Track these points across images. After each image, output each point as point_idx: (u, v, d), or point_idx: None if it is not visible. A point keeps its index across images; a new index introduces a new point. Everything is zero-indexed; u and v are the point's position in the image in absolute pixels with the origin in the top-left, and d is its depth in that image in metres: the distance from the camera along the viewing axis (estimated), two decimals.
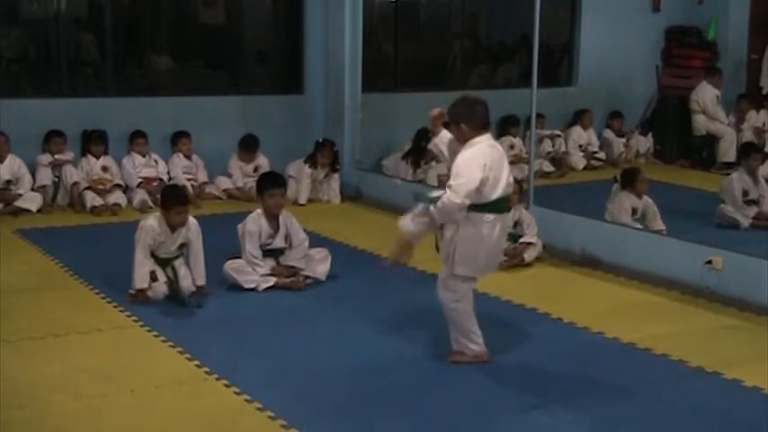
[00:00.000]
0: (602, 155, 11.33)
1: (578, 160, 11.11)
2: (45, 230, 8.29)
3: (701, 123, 10.84)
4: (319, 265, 6.77)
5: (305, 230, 6.89)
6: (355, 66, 10.04)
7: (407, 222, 5.18)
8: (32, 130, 9.21)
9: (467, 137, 5.10)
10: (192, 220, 6.45)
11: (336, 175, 9.91)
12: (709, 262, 6.54)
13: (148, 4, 10.85)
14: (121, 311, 6.09)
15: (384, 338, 5.68)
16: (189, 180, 9.62)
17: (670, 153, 11.34)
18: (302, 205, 9.50)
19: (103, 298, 6.35)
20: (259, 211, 6.72)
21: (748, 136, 10.43)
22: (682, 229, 7.44)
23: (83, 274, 6.87)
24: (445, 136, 5.34)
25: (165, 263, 6.32)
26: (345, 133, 10.14)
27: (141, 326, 5.82)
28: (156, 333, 5.68)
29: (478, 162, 4.98)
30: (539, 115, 8.78)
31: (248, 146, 10.00)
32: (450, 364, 5.24)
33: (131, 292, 6.30)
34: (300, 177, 9.73)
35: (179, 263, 6.38)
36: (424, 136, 5.55)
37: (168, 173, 9.60)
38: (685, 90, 11.03)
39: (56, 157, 9.24)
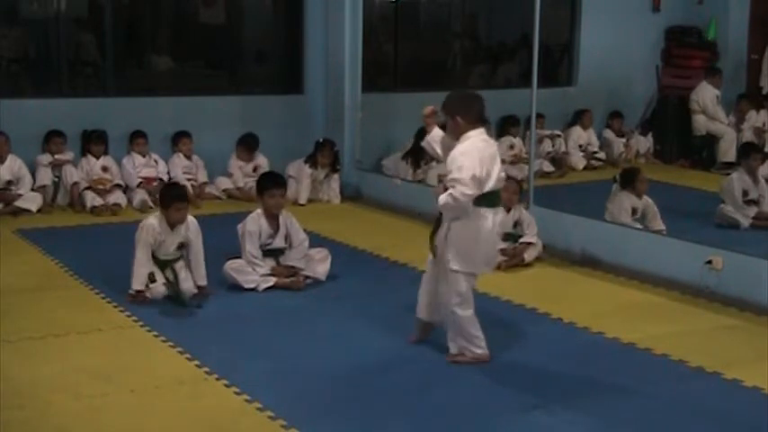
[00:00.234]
0: (602, 155, 11.33)
1: (578, 160, 11.11)
2: (45, 230, 8.29)
3: (700, 123, 10.84)
4: (319, 265, 6.77)
5: (305, 230, 6.89)
6: (355, 66, 10.04)
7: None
8: (32, 130, 9.21)
9: (462, 130, 5.12)
10: (191, 219, 6.45)
11: (336, 176, 9.91)
12: (709, 262, 6.54)
13: (148, 4, 10.86)
14: (121, 311, 6.09)
15: (384, 338, 5.68)
16: (189, 180, 9.62)
17: (670, 153, 11.34)
18: (302, 205, 9.50)
19: (103, 298, 6.35)
20: (259, 211, 6.72)
21: (748, 136, 10.43)
22: (682, 229, 7.44)
23: (83, 274, 6.87)
24: (438, 134, 5.35)
25: (164, 265, 6.32)
26: (345, 133, 10.14)
27: (141, 326, 5.83)
28: (156, 333, 5.68)
29: (474, 156, 5.03)
30: (539, 115, 8.78)
31: (248, 145, 10.00)
32: (451, 364, 5.24)
33: (131, 292, 6.30)
34: (300, 177, 9.74)
35: (179, 266, 6.37)
36: (423, 136, 5.56)
37: (168, 173, 9.60)
38: (685, 90, 11.03)
39: (56, 157, 9.24)
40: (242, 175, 9.90)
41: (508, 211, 7.49)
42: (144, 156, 9.57)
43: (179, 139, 9.80)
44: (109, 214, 8.96)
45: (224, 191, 9.86)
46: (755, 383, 5.03)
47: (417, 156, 9.81)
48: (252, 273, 6.56)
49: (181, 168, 9.67)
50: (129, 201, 9.30)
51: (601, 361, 5.44)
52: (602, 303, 6.58)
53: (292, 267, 6.70)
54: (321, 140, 9.93)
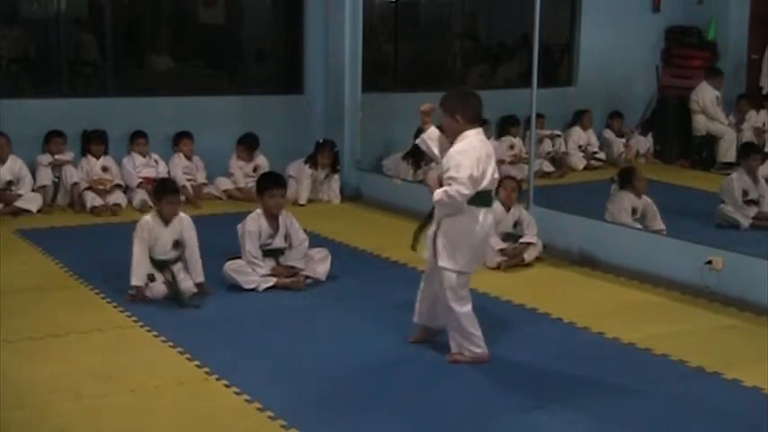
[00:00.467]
0: (602, 155, 11.32)
1: (578, 160, 11.10)
2: (45, 230, 8.29)
3: (700, 123, 10.83)
4: (319, 265, 6.77)
5: (305, 230, 6.89)
6: (355, 66, 10.04)
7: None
8: (32, 131, 9.21)
9: (460, 129, 5.13)
10: (185, 216, 6.50)
11: (336, 176, 9.91)
12: (709, 262, 6.55)
13: (148, 4, 10.87)
14: (121, 311, 6.09)
15: (384, 338, 5.68)
16: (188, 180, 9.63)
17: (670, 153, 11.33)
18: (302, 205, 9.50)
19: (103, 298, 6.35)
20: (259, 211, 6.72)
21: (748, 136, 10.42)
22: (682, 229, 7.44)
23: (83, 274, 6.87)
24: (434, 133, 5.34)
25: (162, 265, 6.32)
26: (345, 133, 10.14)
27: (141, 326, 5.83)
28: (156, 333, 5.68)
29: (471, 155, 5.04)
30: (539, 115, 8.78)
31: (248, 144, 10.00)
32: (450, 363, 5.24)
33: (131, 292, 6.30)
34: (301, 177, 9.74)
35: (177, 267, 6.38)
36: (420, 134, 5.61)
37: (168, 173, 9.60)
38: (685, 90, 11.02)
39: (56, 157, 9.24)
40: (242, 175, 9.90)
41: (508, 210, 7.51)
42: (144, 156, 9.57)
43: (180, 140, 9.81)
44: (109, 214, 8.96)
45: (224, 191, 9.86)
46: (755, 383, 5.03)
47: (418, 156, 9.81)
48: (252, 273, 6.56)
49: (181, 169, 9.67)
50: (129, 201, 9.30)
51: (601, 361, 5.44)
52: (602, 303, 6.58)
53: (292, 267, 6.70)
54: (321, 141, 9.94)
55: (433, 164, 9.46)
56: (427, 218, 5.32)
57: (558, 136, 11.04)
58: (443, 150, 5.21)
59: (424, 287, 5.47)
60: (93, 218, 8.89)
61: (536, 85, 8.04)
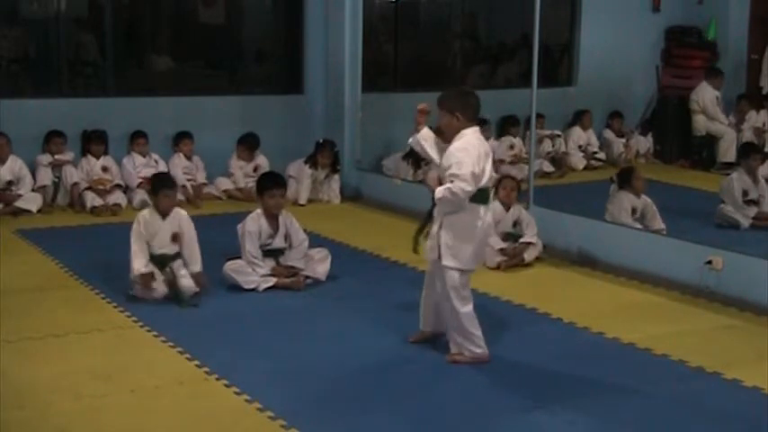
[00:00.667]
0: (602, 155, 11.32)
1: (578, 160, 11.11)
2: (45, 230, 8.29)
3: (700, 123, 10.83)
4: (319, 265, 6.77)
5: (305, 231, 6.89)
6: (355, 66, 10.04)
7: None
8: (32, 131, 9.21)
9: (460, 127, 5.14)
10: (182, 211, 6.54)
11: (337, 176, 9.91)
12: (710, 262, 6.54)
13: (148, 4, 10.87)
14: (121, 311, 6.09)
15: (384, 338, 5.67)
16: (189, 180, 9.63)
17: (670, 153, 11.34)
18: (302, 205, 9.50)
19: (103, 298, 6.35)
20: (259, 211, 6.72)
21: (748, 136, 10.42)
22: (682, 229, 7.44)
23: (83, 274, 6.87)
24: (428, 134, 5.34)
25: (162, 262, 6.33)
26: (345, 133, 10.14)
27: (141, 326, 5.83)
28: (156, 333, 5.68)
29: (472, 153, 5.07)
30: (539, 115, 8.78)
31: (249, 144, 10.00)
32: (450, 364, 5.24)
33: (130, 293, 6.31)
34: (301, 177, 9.74)
35: (177, 264, 6.38)
36: None
37: (168, 173, 9.59)
38: (685, 90, 11.02)
39: (56, 157, 9.24)
40: (242, 175, 9.90)
41: (507, 210, 7.51)
42: (144, 156, 9.57)
43: (180, 140, 9.81)
44: (109, 214, 8.96)
45: (224, 191, 9.87)
46: (755, 383, 5.03)
47: (418, 156, 9.79)
48: (252, 273, 6.56)
49: (181, 168, 9.67)
50: (129, 201, 9.30)
51: (601, 361, 5.44)
52: (602, 303, 6.58)
53: (292, 267, 6.70)
54: (321, 141, 9.94)
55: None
56: (426, 219, 5.33)
57: (558, 136, 11.04)
58: (440, 151, 5.23)
59: (426, 294, 5.47)
60: (93, 218, 8.89)
61: (536, 85, 8.04)
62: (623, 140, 11.37)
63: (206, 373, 5.07)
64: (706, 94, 10.75)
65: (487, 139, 10.40)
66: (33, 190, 9.06)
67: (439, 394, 4.89)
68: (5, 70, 10.11)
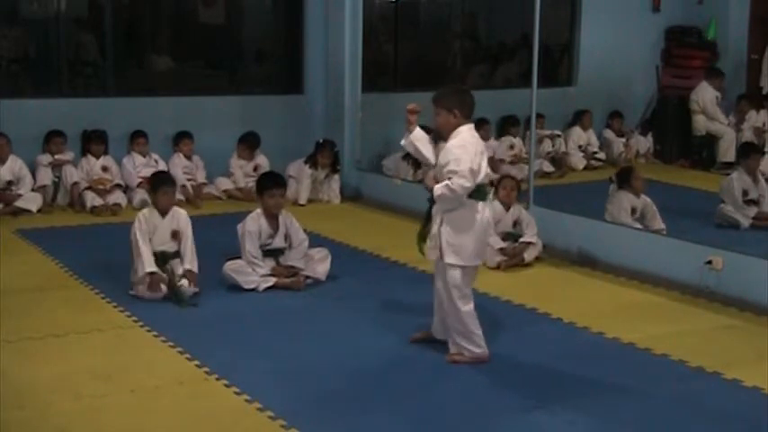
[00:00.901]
0: (602, 155, 11.32)
1: (578, 160, 11.11)
2: (45, 230, 8.29)
3: (700, 123, 10.83)
4: (319, 264, 6.76)
5: (305, 230, 6.89)
6: (355, 66, 10.05)
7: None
8: (32, 131, 9.21)
9: (456, 124, 5.17)
10: (181, 210, 6.56)
11: (336, 176, 9.91)
12: (709, 262, 6.54)
13: (148, 4, 10.87)
14: (121, 311, 6.09)
15: (384, 338, 5.68)
16: (189, 180, 9.63)
17: (670, 153, 11.33)
18: (302, 205, 9.50)
19: (103, 298, 6.35)
20: (259, 210, 6.72)
21: (748, 136, 10.42)
22: (682, 229, 7.44)
23: (83, 274, 6.87)
24: (421, 135, 5.36)
25: (162, 259, 6.33)
26: (345, 133, 10.15)
27: (141, 326, 5.83)
28: (156, 333, 5.68)
29: (469, 149, 5.10)
30: (539, 115, 8.78)
31: (249, 143, 10.00)
32: (450, 364, 5.24)
33: (130, 292, 6.31)
34: (301, 177, 9.74)
35: (176, 263, 6.39)
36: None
37: (167, 171, 9.60)
38: (685, 90, 11.02)
39: (56, 157, 9.24)
40: (242, 174, 9.90)
41: (507, 210, 7.51)
42: (144, 156, 9.57)
43: (180, 140, 9.81)
44: (109, 214, 8.96)
45: (224, 191, 9.87)
46: (755, 383, 5.03)
47: None
48: (252, 273, 6.56)
49: (181, 168, 9.67)
50: (129, 201, 9.30)
51: (601, 361, 5.44)
52: (602, 303, 6.58)
53: (292, 267, 6.70)
54: (321, 141, 9.94)
55: None
56: (426, 220, 5.33)
57: (558, 136, 11.04)
58: (433, 150, 5.25)
59: (437, 301, 5.44)
60: (93, 218, 8.89)
61: (536, 85, 8.04)
62: (623, 140, 11.37)
63: (206, 373, 5.07)
64: (706, 94, 10.75)
65: (487, 139, 10.54)
66: (33, 190, 9.06)
67: (439, 394, 4.89)
68: (5, 70, 10.11)
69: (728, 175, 8.84)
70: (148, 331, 5.73)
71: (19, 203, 8.87)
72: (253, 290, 6.52)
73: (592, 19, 11.21)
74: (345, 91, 10.09)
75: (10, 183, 8.98)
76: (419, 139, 5.35)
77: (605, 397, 4.91)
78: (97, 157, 9.38)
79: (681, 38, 11.48)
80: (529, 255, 7.41)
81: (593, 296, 6.76)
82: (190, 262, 6.40)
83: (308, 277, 6.71)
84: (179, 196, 8.32)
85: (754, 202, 8.51)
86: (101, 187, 9.20)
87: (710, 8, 11.22)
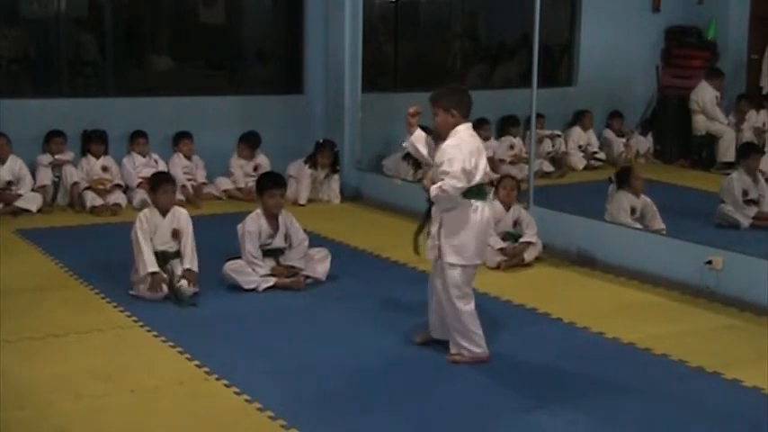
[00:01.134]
0: (602, 155, 11.32)
1: (578, 160, 11.11)
2: (45, 230, 8.29)
3: (700, 123, 10.83)
4: (319, 264, 6.76)
5: (305, 230, 6.89)
6: (355, 66, 10.05)
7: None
8: (32, 131, 9.21)
9: (454, 123, 5.18)
10: (181, 210, 6.57)
11: (336, 176, 9.91)
12: (710, 262, 6.54)
13: (148, 4, 10.86)
14: (121, 311, 6.09)
15: (384, 338, 5.68)
16: (189, 180, 9.64)
17: (670, 153, 11.33)
18: (302, 205, 9.50)
19: (103, 298, 6.35)
20: (258, 211, 6.72)
21: (748, 136, 10.42)
22: (682, 229, 7.44)
23: (83, 274, 6.87)
24: (420, 135, 5.38)
25: (163, 259, 6.33)
26: (345, 133, 10.15)
27: (141, 326, 5.83)
28: (156, 333, 5.68)
29: (464, 149, 5.11)
30: (539, 115, 8.78)
31: (250, 142, 10.00)
32: (450, 364, 5.24)
33: (130, 292, 6.31)
34: (301, 177, 9.74)
35: (176, 263, 6.39)
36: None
37: (168, 172, 9.59)
38: (685, 90, 11.02)
39: (56, 157, 9.24)
40: (242, 174, 9.90)
41: (507, 210, 7.51)
42: (144, 156, 9.57)
43: (179, 140, 9.81)
44: (109, 214, 8.96)
45: (224, 191, 9.87)
46: (755, 383, 5.03)
47: None
48: (252, 273, 6.56)
49: (181, 168, 9.67)
50: (129, 201, 9.30)
51: (601, 361, 5.44)
52: (602, 303, 6.58)
53: (292, 267, 6.70)
54: (321, 141, 9.94)
55: None
56: (425, 219, 5.34)
57: (558, 136, 11.04)
58: (432, 151, 5.26)
59: (435, 302, 5.44)
60: (93, 218, 8.89)
61: (536, 85, 8.04)
62: (623, 140, 11.37)
63: (206, 373, 5.07)
64: (705, 94, 10.75)
65: (487, 139, 10.55)
66: (33, 190, 9.06)
67: (439, 394, 4.89)
68: (5, 70, 10.11)
69: (728, 175, 8.84)
70: (148, 331, 5.73)
71: (19, 203, 8.87)
72: (253, 290, 6.52)
73: (592, 19, 11.21)
74: (345, 91, 10.09)
75: (10, 183, 8.98)
76: (419, 140, 5.38)
77: (605, 397, 4.91)
78: (97, 157, 9.38)
79: (681, 38, 11.48)
80: (529, 255, 7.41)
81: (593, 296, 6.76)
82: (190, 261, 6.40)
83: (307, 277, 6.71)
84: (179, 196, 8.31)
85: (754, 202, 8.51)
86: (101, 187, 9.21)
87: (710, 8, 11.22)
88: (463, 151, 5.08)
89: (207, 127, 10.04)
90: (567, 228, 7.66)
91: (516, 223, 7.51)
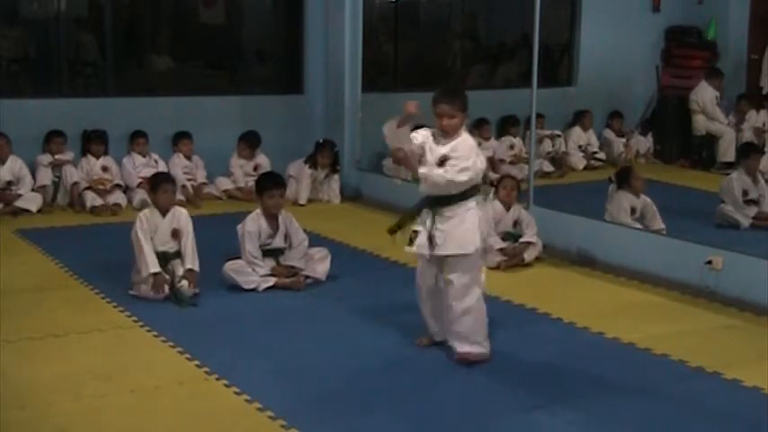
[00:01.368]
0: (602, 155, 11.32)
1: (578, 160, 11.11)
2: (45, 230, 8.29)
3: (700, 123, 10.84)
4: (319, 264, 6.76)
5: (305, 230, 6.89)
6: (355, 66, 10.05)
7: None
8: (32, 131, 9.21)
9: (462, 123, 5.23)
10: (181, 209, 6.57)
11: (336, 176, 9.91)
12: (709, 262, 6.54)
13: (148, 4, 10.87)
14: (121, 311, 6.09)
15: (384, 338, 5.68)
16: (189, 180, 9.64)
17: (670, 153, 11.34)
18: (302, 205, 9.51)
19: (103, 298, 6.35)
20: (258, 211, 6.72)
21: (748, 136, 10.43)
22: (682, 229, 7.44)
23: (83, 274, 6.87)
24: (391, 126, 5.27)
25: (163, 259, 6.33)
26: (345, 133, 10.15)
27: (141, 326, 5.83)
28: (156, 333, 5.68)
29: (476, 148, 5.23)
30: (539, 115, 8.78)
31: (249, 141, 10.00)
32: (450, 364, 5.24)
33: (130, 292, 6.31)
34: (301, 177, 9.74)
35: (177, 263, 6.39)
36: None
37: (168, 172, 9.59)
38: (685, 90, 11.02)
39: (56, 157, 9.25)
40: (242, 174, 9.91)
41: (507, 210, 7.51)
42: (144, 156, 9.58)
43: (179, 140, 9.82)
44: (109, 214, 8.97)
45: (224, 191, 9.87)
46: (755, 383, 5.03)
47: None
48: (252, 273, 6.56)
49: (181, 168, 9.68)
50: (129, 201, 9.31)
51: (601, 361, 5.44)
52: (602, 303, 6.58)
53: (292, 267, 6.70)
54: (321, 141, 9.94)
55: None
56: (416, 212, 5.37)
57: (558, 136, 11.04)
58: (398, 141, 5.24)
59: (430, 305, 5.44)
60: (93, 218, 8.89)
61: (536, 85, 8.04)
62: (623, 140, 11.38)
63: (206, 373, 5.07)
64: (705, 94, 10.76)
65: (487, 139, 10.55)
66: (33, 190, 9.06)
67: (439, 394, 4.89)
68: (5, 70, 10.11)
69: (728, 175, 8.84)
70: (148, 331, 5.73)
71: (19, 203, 8.87)
72: (253, 290, 6.52)
73: (592, 19, 11.22)
74: (345, 91, 10.09)
75: (10, 183, 8.98)
76: (390, 131, 5.26)
77: (605, 397, 4.91)
78: (97, 157, 9.38)
79: (681, 38, 11.48)
80: (529, 255, 7.41)
81: (593, 296, 6.76)
82: (191, 261, 6.40)
83: (307, 277, 6.71)
84: (179, 196, 8.31)
85: (754, 202, 8.52)
86: (101, 187, 9.21)
87: (710, 8, 11.22)
88: (479, 153, 5.21)
89: (207, 127, 10.04)
90: (567, 228, 7.66)
91: (516, 223, 7.51)
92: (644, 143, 11.46)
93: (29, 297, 6.38)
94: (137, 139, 9.59)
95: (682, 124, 11.05)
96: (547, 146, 10.83)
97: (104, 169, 9.35)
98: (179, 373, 5.08)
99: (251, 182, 9.14)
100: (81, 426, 4.44)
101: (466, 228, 5.19)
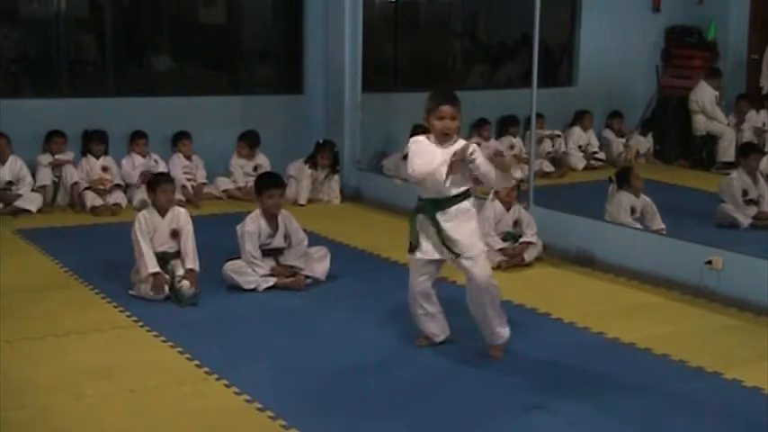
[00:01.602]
0: (602, 155, 11.32)
1: (578, 160, 11.11)
2: (45, 230, 8.29)
3: (700, 123, 10.83)
4: (319, 263, 6.76)
5: (305, 231, 6.89)
6: (355, 66, 10.05)
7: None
8: (32, 130, 9.22)
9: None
10: (181, 209, 6.57)
11: (336, 176, 9.92)
12: (709, 262, 6.54)
13: (148, 4, 10.86)
14: (121, 311, 6.09)
15: (384, 338, 5.68)
16: (189, 180, 9.64)
17: (670, 153, 11.33)
18: (302, 205, 9.51)
19: (103, 298, 6.35)
20: (258, 211, 6.72)
21: (748, 136, 10.42)
22: (682, 229, 7.44)
23: (83, 274, 6.87)
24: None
25: (163, 260, 6.33)
26: (345, 133, 10.15)
27: (141, 326, 5.83)
28: (156, 333, 5.68)
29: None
30: (539, 115, 8.77)
31: (249, 141, 10.00)
32: (459, 364, 5.24)
33: (130, 292, 6.31)
34: (300, 177, 9.74)
35: (177, 263, 6.39)
36: (418, 135, 5.56)
37: (168, 173, 9.59)
38: (685, 90, 11.02)
39: (56, 157, 9.25)
40: (242, 173, 9.91)
41: (507, 210, 7.51)
42: (144, 156, 9.58)
43: (179, 140, 9.82)
44: (109, 214, 8.97)
45: (224, 191, 9.87)
46: (755, 383, 5.03)
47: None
48: (251, 273, 6.56)
49: (181, 168, 9.68)
50: (129, 201, 9.31)
51: (601, 361, 5.44)
52: (603, 303, 6.58)
53: (292, 267, 6.70)
54: (321, 141, 9.95)
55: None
56: (413, 215, 5.38)
57: (558, 136, 11.04)
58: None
59: (432, 309, 5.45)
60: (93, 218, 8.89)
61: (536, 85, 8.04)
62: (623, 140, 11.37)
63: (206, 373, 5.07)
64: (705, 94, 10.76)
65: (487, 139, 10.55)
66: (33, 190, 9.06)
67: (439, 394, 4.89)
68: (5, 70, 10.12)
69: (728, 175, 8.84)
70: (148, 331, 5.73)
71: (19, 203, 8.87)
72: (253, 290, 6.53)
73: (592, 19, 11.21)
74: (345, 91, 10.09)
75: (10, 183, 8.98)
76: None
77: (605, 397, 4.91)
78: (97, 158, 9.38)
79: (681, 38, 11.47)
80: (529, 255, 7.41)
81: (594, 296, 6.76)
82: (191, 261, 6.40)
83: (307, 277, 6.71)
84: (179, 196, 8.31)
85: (754, 202, 8.52)
86: (101, 187, 9.21)
87: (710, 8, 11.21)
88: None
89: (207, 127, 10.04)
90: (567, 228, 7.66)
91: (516, 223, 7.51)
92: (644, 143, 11.45)
93: (29, 297, 6.38)
94: (137, 140, 9.59)
95: (682, 124, 11.05)
96: (547, 146, 10.83)
97: (104, 169, 9.36)
98: (179, 373, 5.08)
99: (251, 182, 9.14)
100: (81, 426, 4.44)
101: (472, 228, 5.25)
